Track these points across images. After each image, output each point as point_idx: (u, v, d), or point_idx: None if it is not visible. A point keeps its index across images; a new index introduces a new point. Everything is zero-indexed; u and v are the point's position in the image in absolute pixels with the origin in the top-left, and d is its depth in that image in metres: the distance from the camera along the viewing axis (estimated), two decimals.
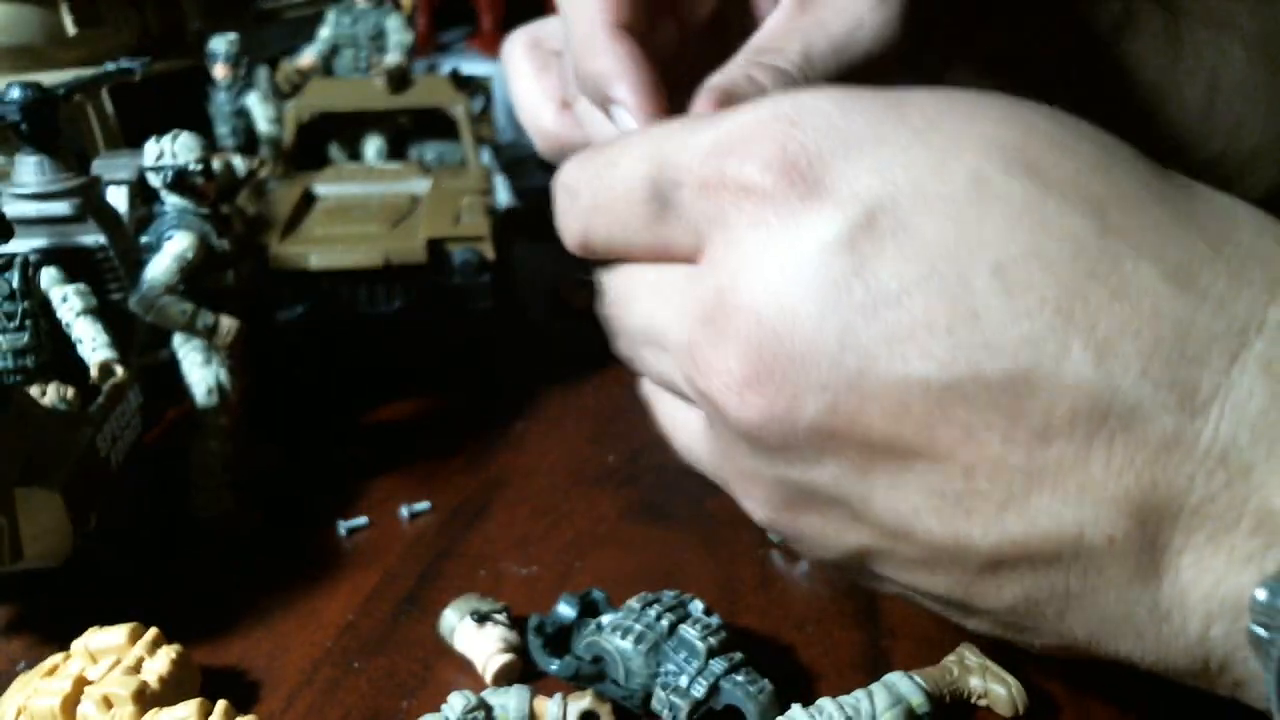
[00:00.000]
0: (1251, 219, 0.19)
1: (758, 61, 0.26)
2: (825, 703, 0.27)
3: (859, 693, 0.27)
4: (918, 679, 0.27)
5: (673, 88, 0.25)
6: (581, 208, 0.23)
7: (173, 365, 0.38)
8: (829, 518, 0.21)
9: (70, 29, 0.56)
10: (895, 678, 0.28)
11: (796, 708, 0.27)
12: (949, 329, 0.18)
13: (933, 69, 0.31)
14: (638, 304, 0.23)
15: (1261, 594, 0.17)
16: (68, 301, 0.35)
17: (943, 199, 0.18)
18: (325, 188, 0.51)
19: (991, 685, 0.28)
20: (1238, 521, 0.17)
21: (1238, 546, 0.17)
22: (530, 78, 0.31)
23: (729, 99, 0.24)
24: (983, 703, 0.29)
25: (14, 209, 0.36)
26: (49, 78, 0.41)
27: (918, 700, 0.27)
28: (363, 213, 0.48)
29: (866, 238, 0.18)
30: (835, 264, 0.18)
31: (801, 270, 0.19)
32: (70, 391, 0.35)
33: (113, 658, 0.29)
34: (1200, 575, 0.18)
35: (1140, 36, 0.35)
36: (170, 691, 0.28)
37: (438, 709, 0.27)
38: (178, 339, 0.38)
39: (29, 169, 0.37)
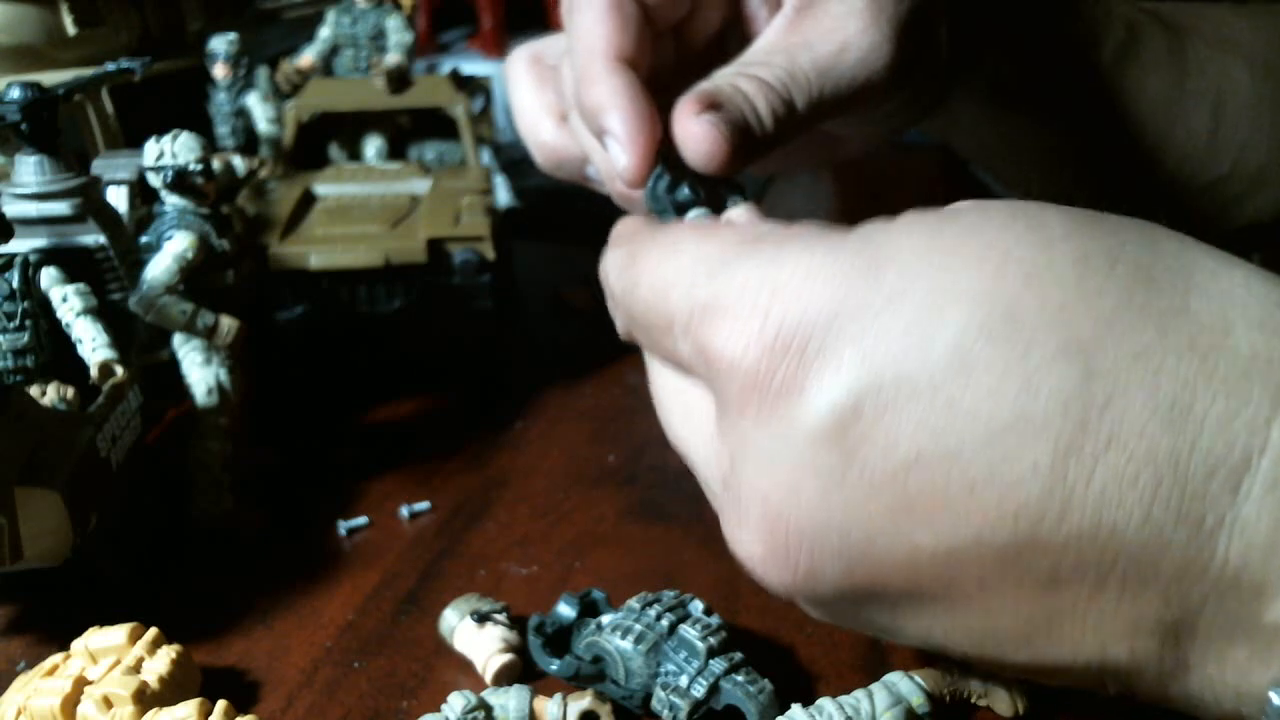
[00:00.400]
0: (1253, 308, 0.18)
1: (743, 72, 0.26)
2: (825, 703, 0.27)
3: (859, 693, 0.27)
4: (918, 679, 0.28)
5: (668, 109, 0.26)
6: (619, 313, 0.25)
7: (173, 365, 0.38)
8: (864, 628, 0.22)
9: (70, 29, 0.56)
10: (895, 678, 0.28)
11: (796, 708, 0.27)
12: (947, 504, 0.18)
13: (932, 95, 0.31)
14: (672, 416, 0.24)
15: (1276, 699, 0.17)
16: (68, 301, 0.35)
17: (925, 378, 0.18)
18: (325, 188, 0.51)
19: (992, 686, 0.28)
20: (1253, 634, 0.17)
21: (1256, 655, 0.18)
22: (530, 91, 0.32)
23: (712, 103, 0.25)
24: (983, 703, 0.29)
25: (14, 209, 0.36)
26: (49, 77, 0.41)
27: (918, 700, 0.27)
28: (363, 213, 0.48)
29: (855, 425, 0.18)
30: (828, 452, 0.19)
31: (798, 459, 0.19)
32: (70, 391, 0.35)
33: (113, 658, 0.29)
34: (1224, 673, 0.18)
35: (1144, 61, 0.35)
36: (170, 691, 0.28)
37: (438, 709, 0.27)
38: (178, 339, 0.38)
39: (29, 169, 0.37)
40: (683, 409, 0.23)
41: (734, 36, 0.30)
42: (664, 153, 0.27)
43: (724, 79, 0.26)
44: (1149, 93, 0.35)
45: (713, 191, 0.26)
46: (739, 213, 0.26)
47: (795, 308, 0.19)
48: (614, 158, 0.26)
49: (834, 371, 0.18)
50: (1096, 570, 0.18)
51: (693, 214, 0.26)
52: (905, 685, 0.27)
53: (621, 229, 0.26)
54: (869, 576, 0.19)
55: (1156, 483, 0.17)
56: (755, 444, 0.20)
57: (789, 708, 0.27)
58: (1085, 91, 0.35)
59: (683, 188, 0.26)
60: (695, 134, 0.24)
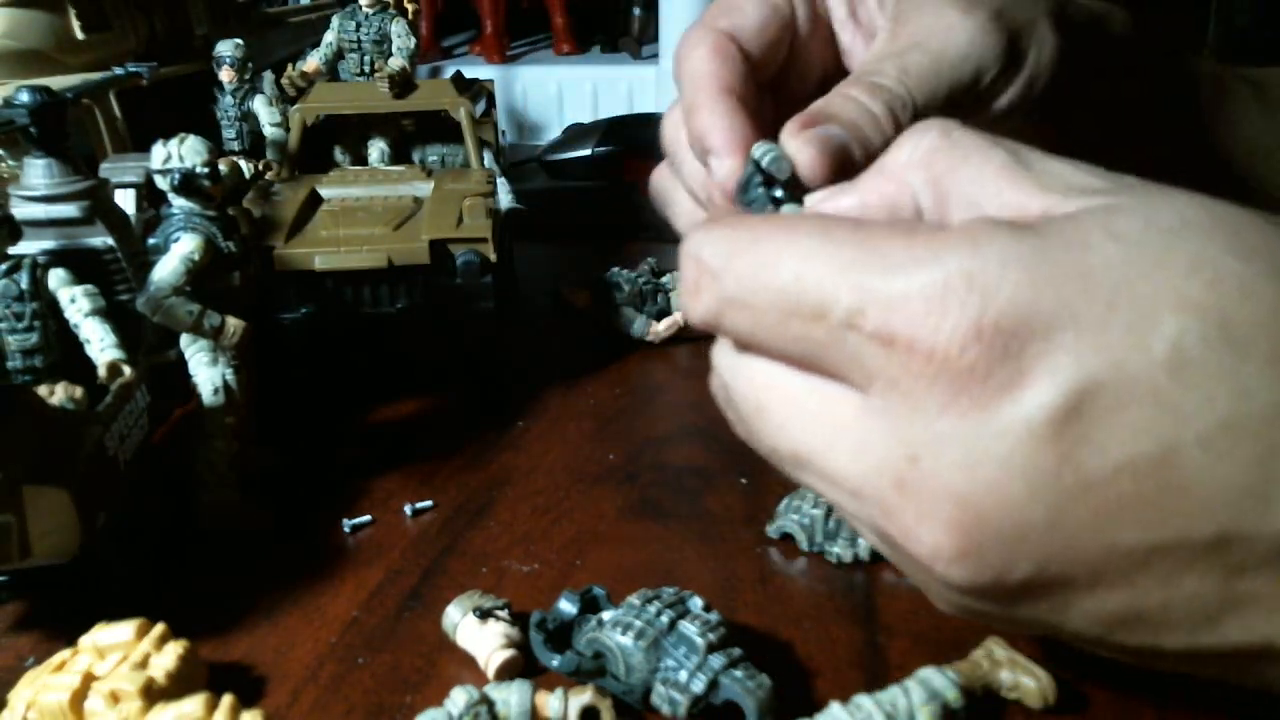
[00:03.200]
0: None
1: (855, 81, 0.26)
2: (863, 699, 0.27)
3: (894, 689, 0.27)
4: (950, 674, 0.28)
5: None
6: (722, 293, 0.21)
7: (180, 365, 0.39)
8: (1011, 621, 0.21)
9: (78, 34, 0.57)
10: (929, 673, 0.28)
11: (835, 704, 0.27)
12: (1157, 503, 0.18)
13: (1048, 113, 0.30)
14: (791, 424, 0.21)
15: None
16: (76, 302, 0.35)
17: (1144, 379, 0.18)
18: (330, 190, 0.52)
19: (1021, 678, 0.29)
20: None
21: None
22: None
23: (822, 118, 0.24)
24: (1013, 696, 0.29)
25: (23, 211, 0.37)
26: (58, 81, 0.42)
27: (953, 695, 0.27)
28: (367, 215, 0.49)
29: (1073, 425, 0.18)
30: (1043, 452, 0.18)
31: (1008, 458, 0.18)
32: (79, 391, 0.35)
33: (120, 653, 0.29)
34: None
35: (1234, 110, 0.35)
36: (177, 687, 0.28)
37: (441, 704, 0.28)
38: (185, 339, 0.38)
39: (38, 172, 0.37)
40: (809, 409, 0.20)
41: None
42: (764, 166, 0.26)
43: (835, 94, 0.26)
44: (1244, 141, 0.35)
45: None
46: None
47: (1007, 302, 0.18)
48: (714, 171, 0.26)
49: (1052, 371, 0.18)
50: None
51: (789, 208, 0.25)
52: (940, 680, 0.27)
53: (721, 213, 0.24)
54: (1055, 576, 0.19)
55: None
56: (954, 441, 0.18)
57: (787, 703, 0.27)
58: (1179, 139, 0.35)
59: (777, 188, 0.25)
60: (802, 144, 0.24)
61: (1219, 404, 0.17)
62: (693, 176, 0.29)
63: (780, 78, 0.30)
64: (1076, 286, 0.18)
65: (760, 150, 0.25)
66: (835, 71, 0.30)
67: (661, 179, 0.31)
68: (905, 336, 0.18)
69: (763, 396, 0.21)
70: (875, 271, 0.19)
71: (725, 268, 0.21)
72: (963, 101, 0.27)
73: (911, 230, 0.19)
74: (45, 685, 0.28)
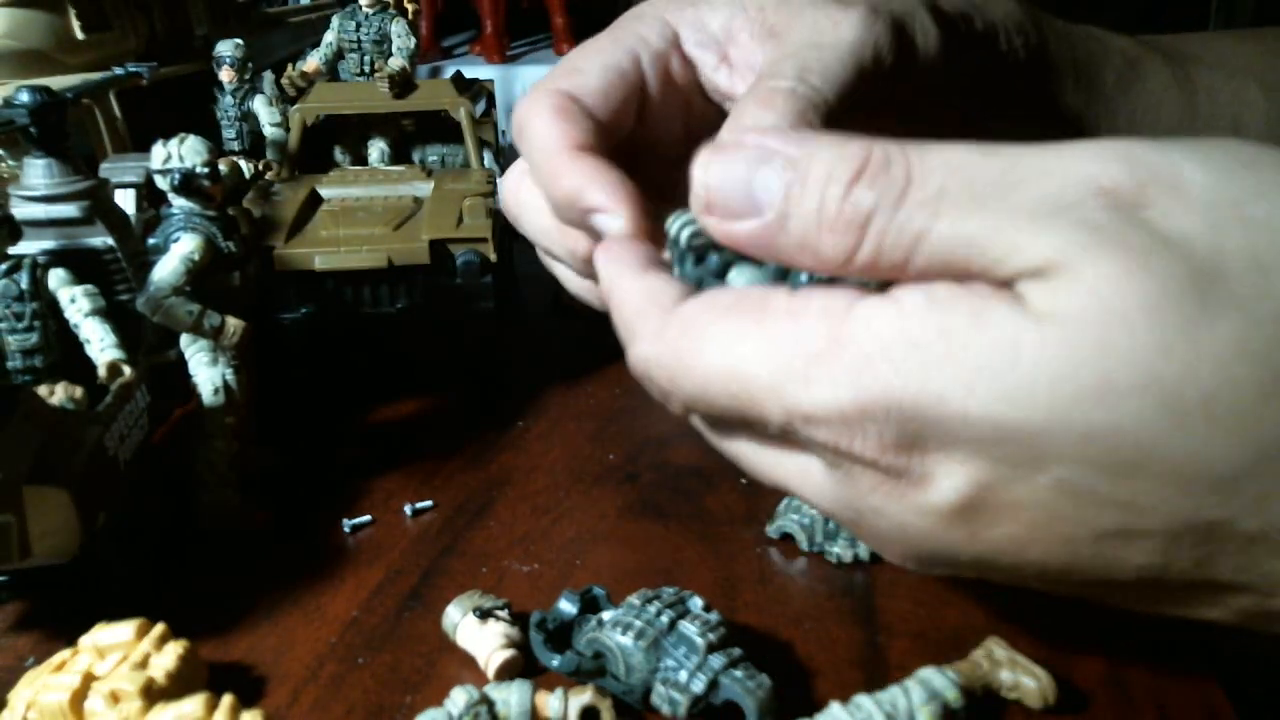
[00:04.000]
0: None
1: (755, 95, 0.25)
2: (863, 699, 0.27)
3: (895, 689, 0.27)
4: (951, 674, 0.28)
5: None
6: (682, 404, 0.22)
7: (180, 365, 0.39)
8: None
9: (78, 34, 0.57)
10: (929, 673, 0.28)
11: (835, 704, 0.27)
12: (1050, 543, 0.19)
13: (946, 107, 0.30)
14: (768, 472, 0.23)
15: None
16: (76, 302, 0.35)
17: (1028, 495, 0.19)
18: (330, 190, 0.52)
19: (1021, 678, 0.29)
20: None
21: None
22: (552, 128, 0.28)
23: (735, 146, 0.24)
24: (1013, 696, 0.29)
25: (23, 211, 0.37)
26: (58, 82, 0.42)
27: (953, 695, 0.27)
28: (367, 215, 0.49)
29: (971, 514, 0.19)
30: (952, 530, 0.20)
31: (928, 532, 0.20)
32: (79, 391, 0.35)
33: (120, 653, 0.29)
34: None
35: (1150, 90, 0.35)
36: (177, 686, 0.28)
37: (441, 704, 0.28)
38: (185, 339, 0.38)
39: (38, 172, 0.37)
40: (781, 464, 0.23)
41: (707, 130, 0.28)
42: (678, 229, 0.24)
43: (734, 117, 0.25)
44: (1161, 122, 0.35)
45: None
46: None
47: (911, 421, 0.19)
48: (606, 228, 0.25)
49: (950, 475, 0.19)
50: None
51: (737, 275, 0.23)
52: (940, 680, 0.27)
53: (638, 310, 0.23)
54: (996, 567, 0.21)
55: None
56: (885, 514, 0.21)
57: (787, 703, 0.27)
58: (1097, 118, 0.34)
59: (711, 254, 0.23)
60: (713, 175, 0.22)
61: (1106, 517, 0.18)
62: (556, 243, 0.29)
63: (631, 145, 0.29)
64: (991, 403, 0.18)
65: (676, 226, 0.24)
66: (702, 131, 0.28)
67: (519, 214, 0.30)
68: (831, 445, 0.20)
69: (760, 472, 0.24)
70: (796, 387, 0.20)
71: (674, 389, 0.22)
72: (868, 94, 0.26)
73: (833, 333, 0.20)
74: (45, 685, 0.28)
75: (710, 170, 0.21)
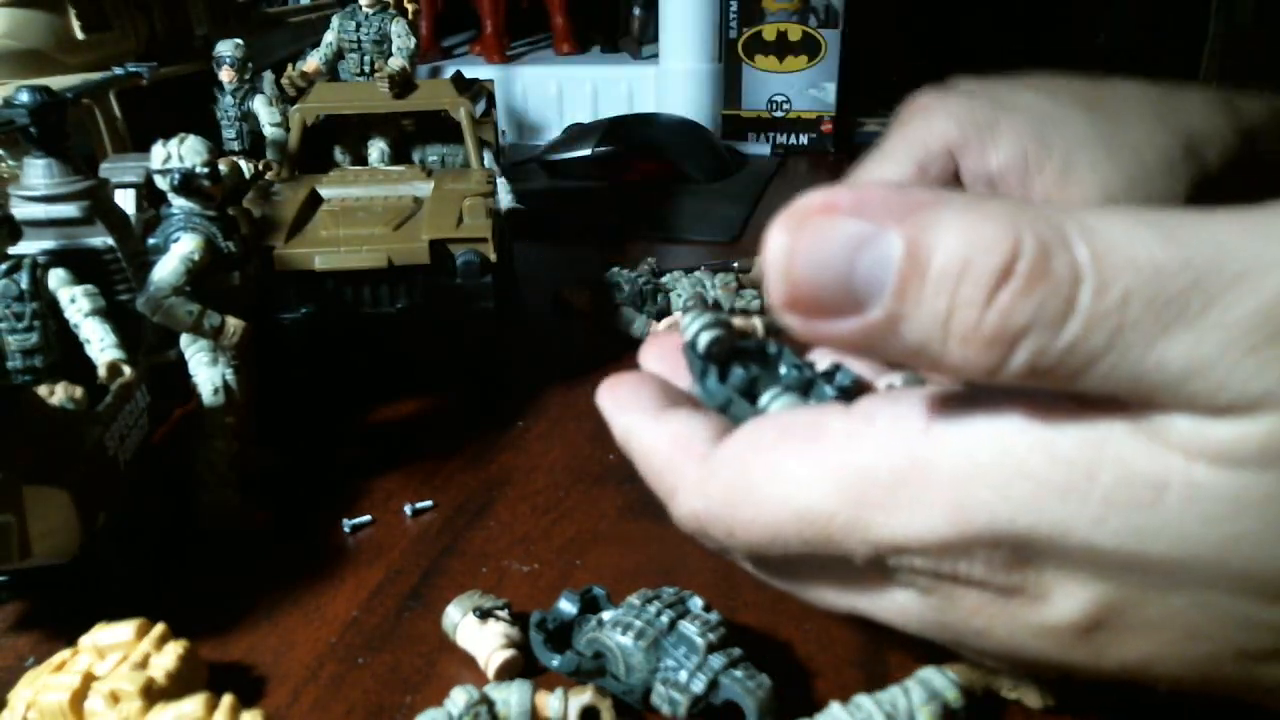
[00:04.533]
0: None
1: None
2: (863, 699, 0.27)
3: (895, 689, 0.27)
4: (951, 674, 0.28)
5: None
6: (742, 555, 0.21)
7: (180, 365, 0.39)
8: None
9: (78, 34, 0.57)
10: (930, 673, 0.28)
11: (835, 704, 0.27)
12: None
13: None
14: (876, 617, 0.22)
15: None
16: (76, 302, 0.35)
17: (1157, 576, 0.16)
18: (330, 190, 0.52)
19: (1022, 679, 0.28)
20: None
21: None
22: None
23: None
24: (1013, 696, 0.29)
25: (23, 211, 0.37)
26: (58, 81, 0.42)
27: (953, 695, 0.27)
28: (367, 215, 0.49)
29: (1096, 633, 0.18)
30: (1076, 649, 0.18)
31: (1048, 652, 0.19)
32: (78, 391, 0.35)
33: (120, 653, 0.29)
34: None
35: None
36: (177, 687, 0.28)
37: (441, 704, 0.28)
38: (185, 339, 0.38)
39: (38, 172, 0.37)
40: (886, 607, 0.21)
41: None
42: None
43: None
44: None
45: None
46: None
47: (1023, 534, 0.16)
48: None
49: (1071, 593, 0.17)
50: None
51: (771, 400, 0.21)
52: (940, 681, 0.27)
53: (669, 462, 0.20)
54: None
55: None
56: (988, 636, 0.19)
57: (787, 704, 0.27)
58: None
59: (735, 367, 0.22)
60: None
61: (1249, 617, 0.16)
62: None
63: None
64: (1070, 497, 0.16)
65: (694, 329, 0.22)
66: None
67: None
68: (928, 571, 0.18)
69: (819, 597, 0.22)
70: (882, 517, 0.17)
71: (735, 542, 0.20)
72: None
73: (914, 454, 0.17)
74: (45, 685, 0.28)
75: (793, 255, 0.15)
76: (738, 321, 0.24)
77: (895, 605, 0.20)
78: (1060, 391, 0.16)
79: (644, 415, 0.21)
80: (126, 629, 0.30)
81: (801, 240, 0.15)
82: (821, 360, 0.24)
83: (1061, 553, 0.16)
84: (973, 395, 0.17)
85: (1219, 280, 0.14)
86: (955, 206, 0.15)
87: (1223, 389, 0.14)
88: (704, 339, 0.22)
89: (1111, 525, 0.16)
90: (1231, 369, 0.14)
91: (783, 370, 0.22)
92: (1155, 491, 0.15)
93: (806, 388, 0.22)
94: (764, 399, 0.21)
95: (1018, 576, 0.17)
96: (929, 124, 0.27)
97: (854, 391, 0.22)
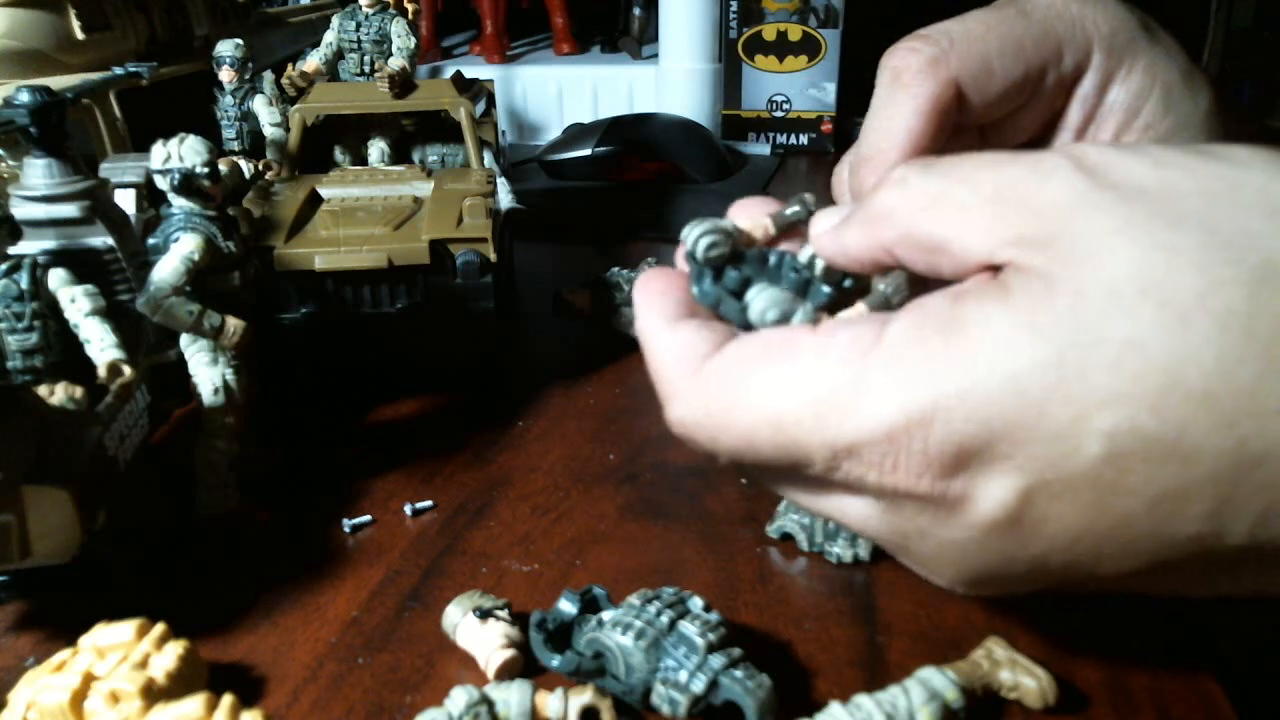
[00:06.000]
0: None
1: None
2: (863, 699, 0.27)
3: (894, 689, 0.27)
4: (951, 674, 0.28)
5: None
6: (728, 458, 0.23)
7: (180, 365, 0.39)
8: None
9: (78, 34, 0.57)
10: (929, 673, 0.28)
11: (835, 704, 0.27)
12: (1107, 558, 0.20)
13: None
14: (820, 507, 0.24)
15: None
16: (76, 302, 0.35)
17: (1079, 478, 0.19)
18: (330, 190, 0.52)
19: (1021, 678, 0.29)
20: None
21: None
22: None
23: None
24: (1013, 695, 0.29)
25: (23, 211, 0.37)
26: (58, 81, 0.42)
27: (953, 695, 0.27)
28: (366, 215, 0.49)
29: (1018, 524, 0.20)
30: (999, 542, 0.20)
31: (974, 550, 0.21)
32: (78, 391, 0.35)
33: (120, 653, 0.29)
34: None
35: None
36: (177, 686, 0.28)
37: (441, 704, 0.28)
38: (185, 339, 0.38)
39: (38, 172, 0.37)
40: (845, 510, 0.23)
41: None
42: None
43: None
44: None
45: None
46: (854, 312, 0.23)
47: (952, 434, 0.19)
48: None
49: (995, 486, 0.20)
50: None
51: (757, 294, 0.23)
52: (939, 680, 0.27)
53: (671, 368, 0.23)
54: (1041, 578, 0.21)
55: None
56: (930, 535, 0.21)
57: (787, 703, 0.27)
58: None
59: (729, 269, 0.24)
60: None
61: (1159, 481, 0.18)
62: None
63: (993, 123, 0.28)
64: (1011, 403, 0.19)
65: (694, 237, 0.24)
66: (1049, 129, 0.28)
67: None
68: (874, 481, 0.21)
69: (793, 498, 0.24)
70: (839, 419, 0.20)
71: (717, 447, 0.23)
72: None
73: (868, 361, 0.20)
74: (45, 685, 0.28)
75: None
76: (744, 225, 0.26)
77: (853, 510, 0.23)
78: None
79: (661, 320, 0.24)
80: (126, 629, 0.30)
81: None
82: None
83: (986, 445, 0.19)
84: (915, 310, 0.21)
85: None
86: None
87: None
88: (702, 244, 0.24)
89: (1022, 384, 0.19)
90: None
91: (782, 273, 0.25)
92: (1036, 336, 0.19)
93: (804, 289, 0.24)
94: (749, 293, 0.24)
95: (942, 484, 0.20)
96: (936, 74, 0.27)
97: (851, 292, 0.24)
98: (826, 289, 0.24)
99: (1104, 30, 0.27)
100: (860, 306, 0.23)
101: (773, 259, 0.25)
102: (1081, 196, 0.19)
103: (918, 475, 0.20)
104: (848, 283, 0.24)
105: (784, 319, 0.23)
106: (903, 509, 0.21)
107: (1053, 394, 0.18)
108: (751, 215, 0.26)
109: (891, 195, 0.21)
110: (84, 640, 0.30)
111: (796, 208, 0.26)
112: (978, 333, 0.19)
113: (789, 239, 0.26)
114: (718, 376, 0.22)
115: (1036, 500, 0.19)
